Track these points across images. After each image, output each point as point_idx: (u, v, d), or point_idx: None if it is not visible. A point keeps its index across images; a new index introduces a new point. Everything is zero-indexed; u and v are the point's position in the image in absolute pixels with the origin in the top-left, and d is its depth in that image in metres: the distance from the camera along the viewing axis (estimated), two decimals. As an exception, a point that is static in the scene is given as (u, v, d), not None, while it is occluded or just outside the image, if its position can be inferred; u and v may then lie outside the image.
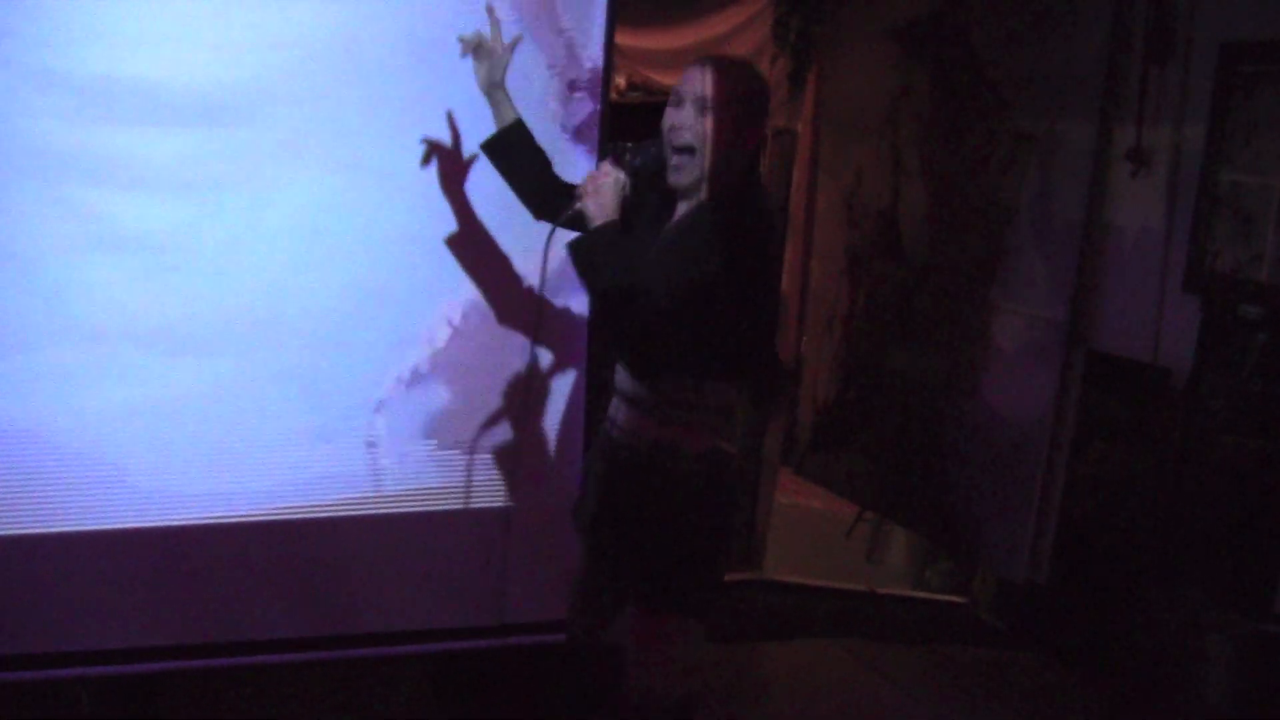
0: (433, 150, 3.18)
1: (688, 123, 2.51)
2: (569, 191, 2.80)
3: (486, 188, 3.18)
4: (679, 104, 2.54)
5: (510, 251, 3.33)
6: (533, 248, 3.27)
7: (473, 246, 3.29)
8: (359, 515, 3.39)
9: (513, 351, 3.40)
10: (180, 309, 3.12)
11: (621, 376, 2.69)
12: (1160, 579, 3.75)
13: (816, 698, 3.88)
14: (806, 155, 5.44)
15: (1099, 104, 3.95)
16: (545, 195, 2.84)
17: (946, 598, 4.78)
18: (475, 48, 2.79)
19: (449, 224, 3.25)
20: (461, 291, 3.32)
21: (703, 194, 2.56)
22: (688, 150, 2.52)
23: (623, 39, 4.20)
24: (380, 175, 3.19)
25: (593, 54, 3.31)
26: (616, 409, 2.71)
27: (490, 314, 3.35)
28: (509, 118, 2.83)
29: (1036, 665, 4.17)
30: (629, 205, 2.56)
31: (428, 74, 3.15)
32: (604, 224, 2.50)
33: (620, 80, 5.20)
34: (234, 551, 3.31)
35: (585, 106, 3.34)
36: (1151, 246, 3.81)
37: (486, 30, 2.82)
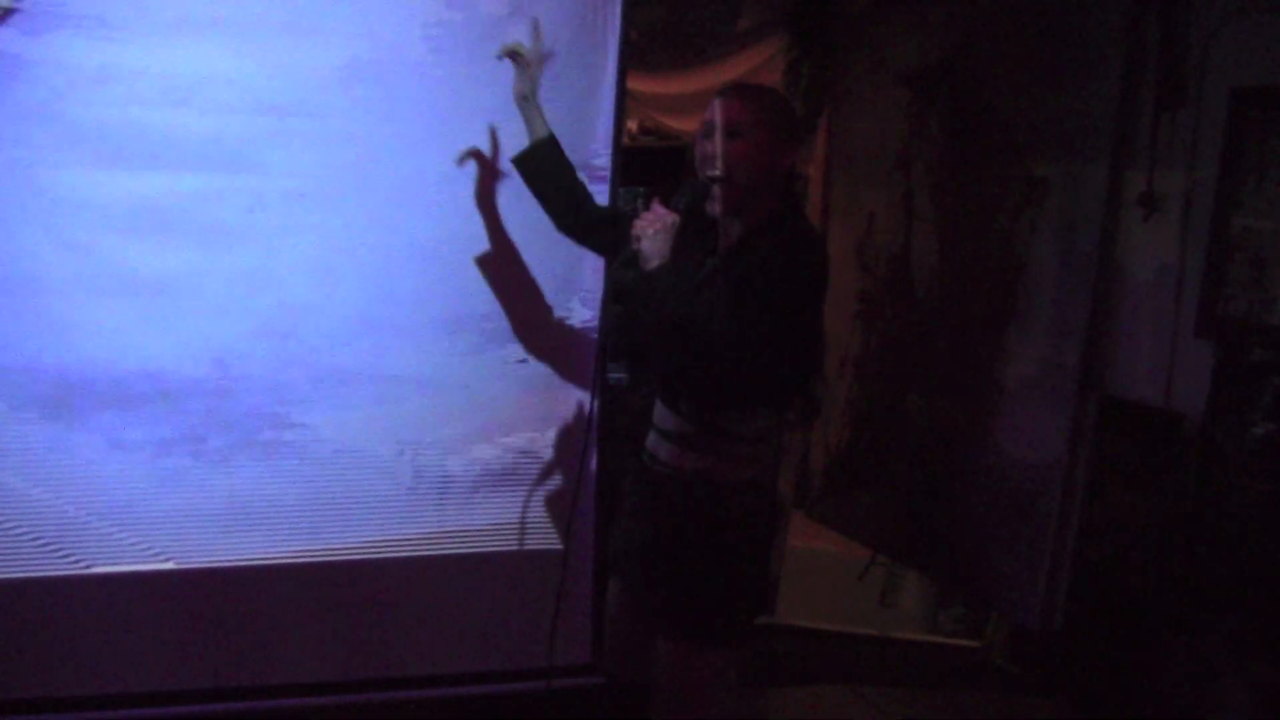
0: (470, 159, 3.25)
1: (719, 151, 2.55)
2: (599, 212, 2.98)
3: (514, 221, 3.26)
4: (709, 134, 2.58)
5: (536, 277, 3.38)
6: (563, 276, 3.38)
7: (501, 286, 3.33)
8: (392, 557, 3.40)
9: (531, 387, 3.41)
10: (191, 353, 3.13)
11: (662, 413, 2.70)
12: (1177, 625, 3.72)
13: (829, 744, 3.86)
14: (818, 200, 5.46)
15: (1111, 149, 3.95)
16: (573, 210, 2.96)
17: (960, 642, 4.75)
18: (513, 55, 2.90)
19: (468, 269, 3.28)
20: (481, 329, 3.35)
21: (742, 221, 2.59)
22: (722, 179, 2.56)
23: (635, 84, 4.23)
24: (392, 219, 3.21)
25: (605, 98, 3.34)
26: (657, 445, 2.71)
27: (513, 352, 3.38)
28: (541, 132, 2.92)
29: (1052, 712, 4.13)
30: (677, 242, 2.57)
31: (439, 119, 3.18)
32: (660, 266, 2.51)
33: (632, 125, 5.23)
34: (270, 594, 3.33)
35: (598, 150, 3.36)
36: (1164, 291, 3.79)
37: (526, 40, 2.94)
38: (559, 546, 3.45)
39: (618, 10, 3.30)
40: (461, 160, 3.21)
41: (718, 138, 2.56)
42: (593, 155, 3.35)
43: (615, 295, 2.64)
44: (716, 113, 2.58)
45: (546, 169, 2.93)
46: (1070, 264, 4.09)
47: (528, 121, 2.94)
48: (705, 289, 2.53)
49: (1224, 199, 3.59)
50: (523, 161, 2.96)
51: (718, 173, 2.56)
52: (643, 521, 2.73)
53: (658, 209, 2.56)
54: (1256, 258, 3.48)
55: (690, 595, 2.63)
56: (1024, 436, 4.27)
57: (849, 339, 5.22)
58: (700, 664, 2.66)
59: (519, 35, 2.99)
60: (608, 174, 3.37)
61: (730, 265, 2.57)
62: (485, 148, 3.21)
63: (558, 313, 3.39)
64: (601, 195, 3.32)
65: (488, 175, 3.23)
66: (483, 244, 3.28)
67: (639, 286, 2.51)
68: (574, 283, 3.39)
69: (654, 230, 2.53)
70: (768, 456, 2.73)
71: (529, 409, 3.41)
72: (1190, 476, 3.65)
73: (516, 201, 3.19)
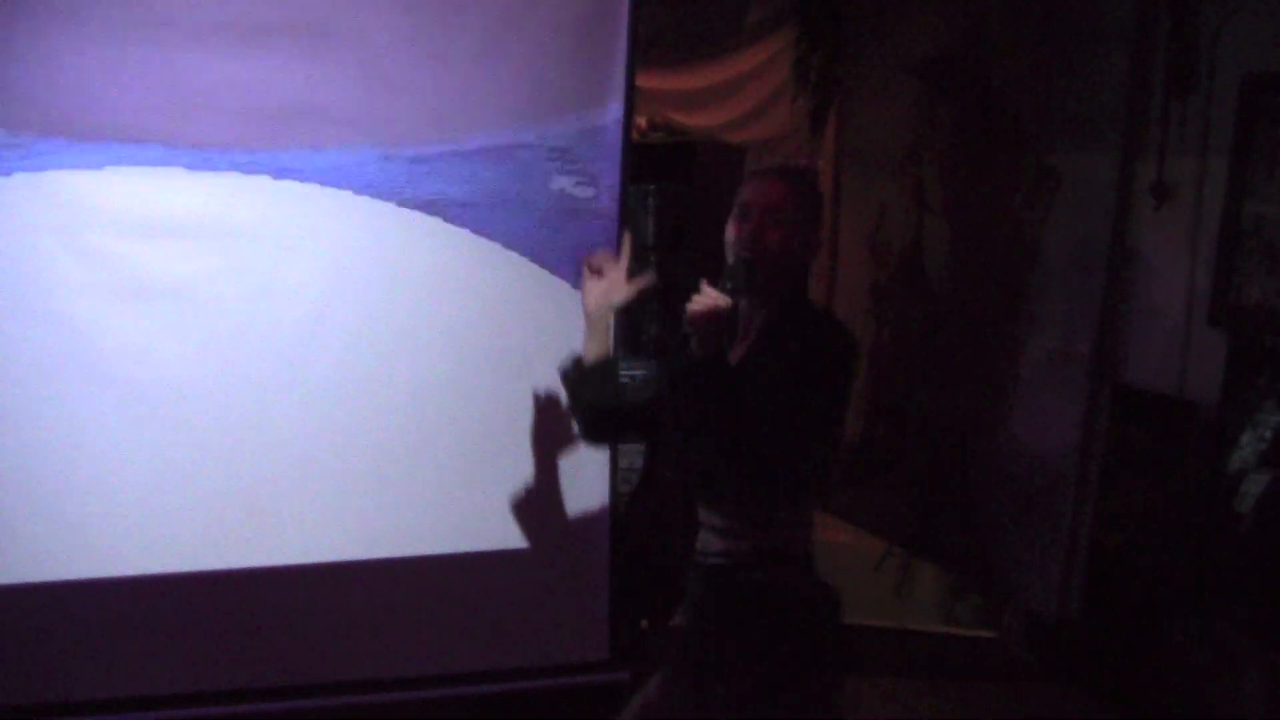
0: None
1: (756, 234, 2.51)
2: (630, 416, 2.83)
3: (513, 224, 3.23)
4: (747, 215, 2.53)
5: (545, 284, 3.35)
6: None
7: (507, 281, 3.32)
8: (405, 557, 3.40)
9: (543, 386, 3.40)
10: (207, 356, 3.14)
11: (706, 512, 2.63)
12: (1192, 613, 3.72)
13: (846, 737, 3.85)
14: (829, 193, 5.46)
15: (1121, 138, 3.95)
16: (605, 426, 2.85)
17: (977, 632, 4.75)
18: (600, 268, 2.77)
19: (479, 259, 3.28)
20: (494, 330, 3.34)
21: (766, 308, 2.56)
22: (755, 262, 2.50)
23: (644, 80, 4.23)
24: (407, 220, 3.21)
25: (614, 95, 3.33)
26: (708, 541, 2.62)
27: (525, 352, 3.36)
28: (597, 353, 2.77)
29: (1068, 700, 4.13)
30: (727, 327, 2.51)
31: (458, 104, 3.17)
32: (712, 354, 2.43)
33: (642, 121, 5.23)
34: (281, 595, 3.34)
35: (608, 148, 3.36)
36: (1176, 279, 3.79)
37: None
38: (573, 544, 3.46)
39: (626, 5, 3.29)
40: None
41: (754, 218, 2.52)
42: (602, 152, 3.35)
43: (672, 384, 2.58)
44: (754, 193, 2.55)
45: (592, 389, 2.77)
46: (1082, 253, 4.09)
47: (589, 334, 2.77)
48: (740, 382, 2.45)
49: (1236, 186, 3.58)
50: (568, 375, 2.81)
51: (754, 255, 2.50)
52: (707, 623, 2.63)
53: (709, 291, 2.48)
54: (1269, 245, 3.47)
55: (762, 697, 2.53)
56: (1037, 426, 4.27)
57: (862, 331, 5.22)
58: None
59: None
60: (617, 170, 3.36)
61: (763, 357, 2.52)
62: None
63: (570, 309, 3.37)
64: (610, 194, 3.34)
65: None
66: (495, 248, 3.28)
67: (692, 375, 2.46)
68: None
69: (705, 315, 2.42)
70: (811, 540, 2.68)
71: (546, 408, 3.41)
72: (1204, 464, 3.64)
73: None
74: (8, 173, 2.95)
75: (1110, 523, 4.01)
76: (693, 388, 2.45)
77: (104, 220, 3.02)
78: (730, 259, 2.54)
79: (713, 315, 2.42)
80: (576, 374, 2.80)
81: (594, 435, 2.94)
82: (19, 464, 3.09)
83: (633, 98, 3.38)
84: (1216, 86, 3.69)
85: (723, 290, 2.45)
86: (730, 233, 2.56)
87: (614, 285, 2.77)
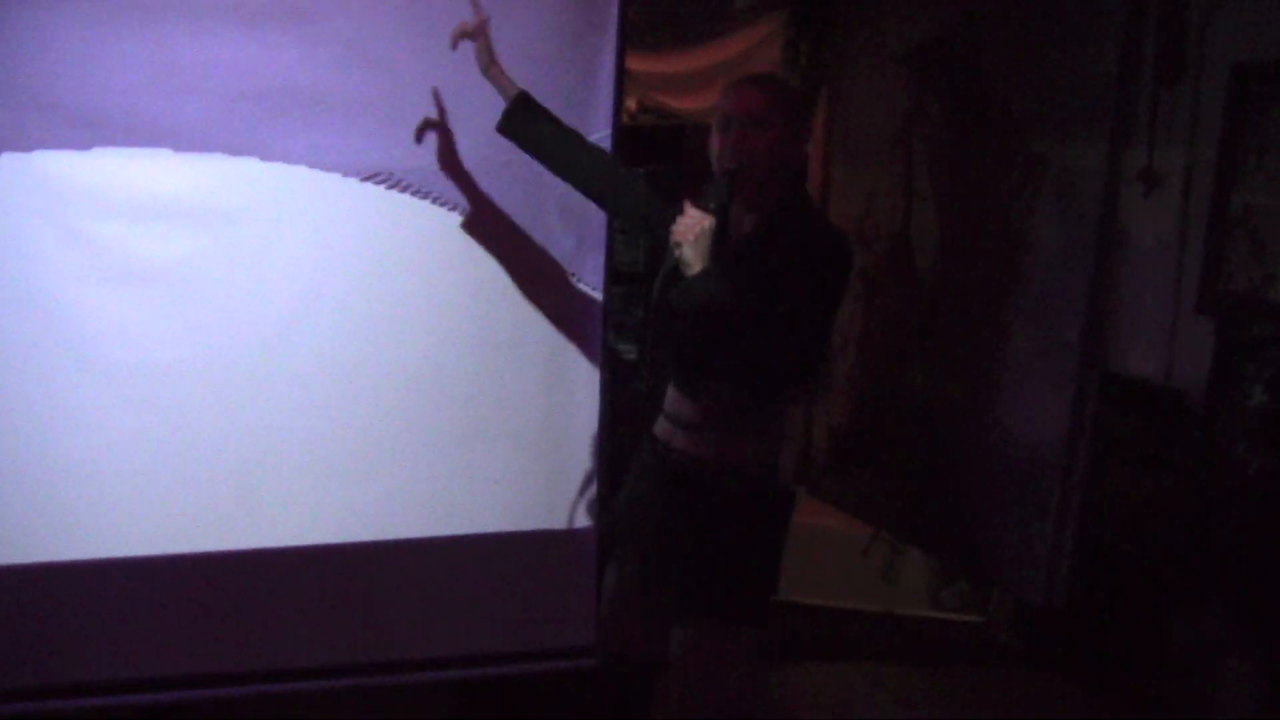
0: (445, 155, 3.21)
1: (739, 144, 2.54)
2: (600, 153, 2.95)
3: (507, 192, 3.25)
4: (727, 127, 2.56)
5: (535, 268, 3.35)
6: (566, 256, 3.38)
7: (496, 264, 3.31)
8: (396, 540, 3.39)
9: (532, 370, 3.41)
10: (195, 339, 3.13)
11: (678, 401, 2.71)
12: (1180, 600, 3.73)
13: (832, 722, 3.87)
14: (818, 178, 5.46)
15: (1110, 126, 3.94)
16: (573, 155, 2.90)
17: (964, 617, 4.76)
18: (461, 35, 2.84)
19: (468, 242, 3.28)
20: (483, 313, 3.34)
21: (754, 212, 2.60)
22: (740, 171, 2.54)
23: (634, 63, 4.23)
24: (395, 203, 3.20)
25: (604, 78, 3.33)
26: (671, 433, 2.72)
27: (514, 336, 3.37)
28: (511, 92, 2.86)
29: (1055, 687, 4.14)
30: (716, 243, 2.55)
31: (445, 86, 3.16)
32: (704, 270, 2.47)
33: (631, 104, 5.23)
34: (272, 579, 3.33)
35: (597, 130, 3.35)
36: (1164, 268, 3.80)
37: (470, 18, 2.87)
38: (560, 529, 3.46)
39: (619, -11, 3.29)
40: (443, 158, 3.21)
41: (736, 129, 2.55)
42: (593, 134, 3.34)
43: (666, 308, 2.61)
44: (734, 104, 2.57)
45: (530, 126, 2.88)
46: (1071, 241, 4.09)
47: (497, 87, 2.88)
48: (728, 280, 2.49)
49: (1224, 176, 3.59)
50: (505, 127, 2.91)
51: (740, 164, 2.54)
52: (658, 508, 2.74)
53: (692, 211, 2.51)
54: (1256, 234, 3.48)
55: (711, 576, 2.64)
56: (1026, 413, 4.28)
57: (850, 317, 5.22)
58: (722, 643, 2.68)
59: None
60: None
61: (752, 256, 2.56)
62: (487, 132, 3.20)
63: (560, 292, 3.39)
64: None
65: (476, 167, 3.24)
66: (484, 231, 3.28)
67: (687, 293, 2.50)
68: (576, 262, 3.39)
69: (694, 235, 2.47)
70: (779, 440, 2.75)
71: (535, 392, 3.41)
72: (1192, 452, 3.65)
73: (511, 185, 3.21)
74: (-4, 151, 2.94)
75: (1098, 510, 4.01)
76: (693, 298, 2.49)
77: (92, 201, 3.01)
78: (715, 173, 2.57)
79: (699, 234, 2.46)
80: (505, 119, 2.89)
81: (565, 175, 2.97)
82: (3, 446, 3.08)
83: (623, 80, 3.38)
84: (1206, 75, 3.69)
85: (704, 209, 2.48)
86: (714, 146, 2.58)
87: (479, 38, 2.86)
